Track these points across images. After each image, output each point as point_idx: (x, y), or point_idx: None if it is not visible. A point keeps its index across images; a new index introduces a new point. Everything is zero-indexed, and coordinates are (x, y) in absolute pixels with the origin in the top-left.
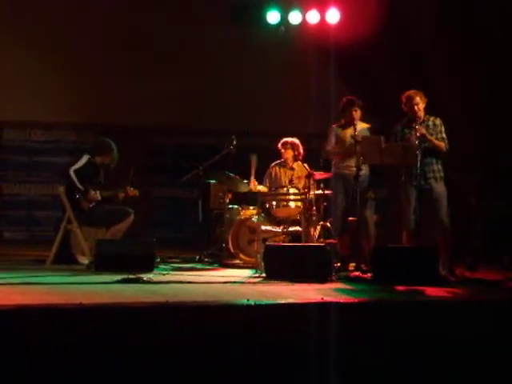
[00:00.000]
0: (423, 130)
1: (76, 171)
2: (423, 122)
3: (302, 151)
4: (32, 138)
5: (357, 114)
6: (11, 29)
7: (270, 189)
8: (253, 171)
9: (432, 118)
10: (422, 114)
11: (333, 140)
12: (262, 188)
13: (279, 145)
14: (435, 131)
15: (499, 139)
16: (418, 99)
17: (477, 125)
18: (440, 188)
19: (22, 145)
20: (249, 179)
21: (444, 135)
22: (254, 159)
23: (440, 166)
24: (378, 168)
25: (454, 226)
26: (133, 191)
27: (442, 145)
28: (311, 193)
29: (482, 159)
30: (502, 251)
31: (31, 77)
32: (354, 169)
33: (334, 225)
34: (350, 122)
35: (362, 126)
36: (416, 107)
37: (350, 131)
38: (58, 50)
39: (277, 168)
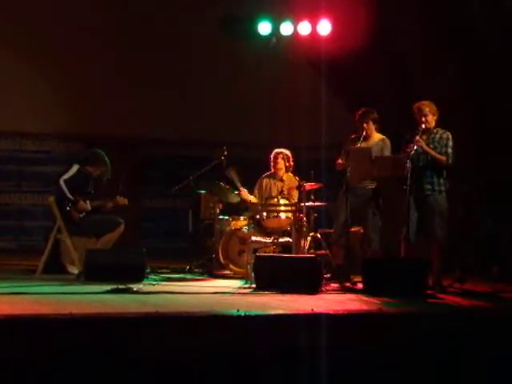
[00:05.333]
0: (421, 143)
1: (66, 181)
2: (431, 133)
3: (292, 163)
4: (23, 148)
5: (368, 127)
6: (2, 39)
7: (260, 200)
8: (238, 183)
9: (441, 132)
10: (430, 125)
11: (343, 152)
12: (252, 198)
13: (271, 155)
14: (440, 144)
15: (491, 151)
16: (427, 110)
17: (468, 137)
18: (436, 200)
19: (12, 155)
20: (238, 190)
21: (449, 150)
22: (232, 173)
23: (440, 180)
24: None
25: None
26: (122, 200)
27: (443, 158)
28: (301, 204)
29: (472, 170)
30: (490, 262)
31: (22, 87)
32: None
33: (333, 232)
34: (361, 135)
35: (375, 138)
36: (424, 118)
37: (360, 144)
38: (49, 60)
39: (267, 180)
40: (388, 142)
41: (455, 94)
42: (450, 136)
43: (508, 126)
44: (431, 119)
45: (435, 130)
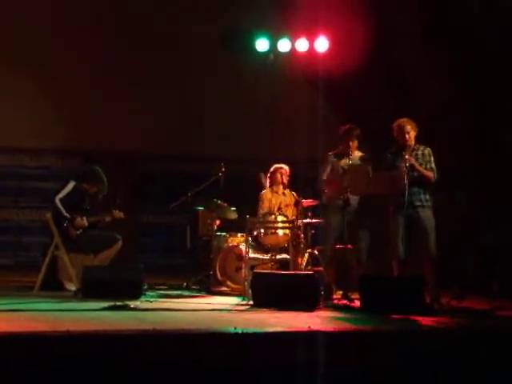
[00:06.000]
0: (412, 160)
1: (61, 200)
2: (413, 150)
3: (288, 179)
4: (21, 164)
5: (354, 144)
6: (2, 54)
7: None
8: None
9: (422, 148)
10: (412, 142)
11: (328, 169)
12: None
13: (271, 170)
14: (424, 161)
15: (491, 151)
16: (409, 128)
17: (468, 137)
18: (427, 217)
19: (10, 170)
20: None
21: (433, 165)
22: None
23: (428, 196)
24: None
25: (442, 255)
26: (119, 213)
27: (431, 175)
28: (299, 220)
29: (471, 187)
30: (490, 278)
31: (20, 103)
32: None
33: (324, 253)
34: (346, 152)
35: (356, 155)
36: (407, 135)
37: (344, 161)
38: (47, 75)
39: (269, 193)
40: (365, 158)
41: (455, 94)
42: (431, 151)
43: (508, 127)
44: (412, 136)
45: (416, 147)
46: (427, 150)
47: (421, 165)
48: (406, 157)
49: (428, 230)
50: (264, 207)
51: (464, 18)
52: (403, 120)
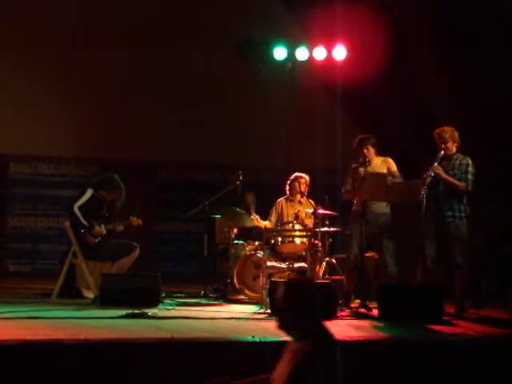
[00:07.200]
0: (439, 170)
1: (80, 207)
2: (451, 160)
3: (307, 188)
4: (39, 172)
5: (369, 152)
6: (19, 63)
7: (276, 224)
8: (252, 209)
9: (461, 157)
10: (450, 151)
11: (349, 180)
12: (267, 223)
13: (290, 178)
14: (460, 170)
15: (508, 176)
16: (447, 137)
17: (485, 163)
18: (457, 227)
19: (28, 178)
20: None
21: (469, 176)
22: (250, 197)
23: (461, 206)
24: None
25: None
26: (136, 220)
27: (461, 185)
28: (316, 229)
29: (489, 197)
30: (507, 289)
31: (39, 111)
32: (372, 207)
33: (347, 260)
34: (364, 161)
35: (377, 162)
36: (443, 145)
37: (362, 169)
38: (65, 84)
39: (284, 203)
40: (391, 160)
41: (472, 115)
42: (470, 162)
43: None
44: (451, 146)
45: (455, 156)
46: (465, 160)
47: (455, 175)
48: (435, 164)
49: (455, 239)
50: (273, 215)
51: (464, 17)
52: (443, 129)
